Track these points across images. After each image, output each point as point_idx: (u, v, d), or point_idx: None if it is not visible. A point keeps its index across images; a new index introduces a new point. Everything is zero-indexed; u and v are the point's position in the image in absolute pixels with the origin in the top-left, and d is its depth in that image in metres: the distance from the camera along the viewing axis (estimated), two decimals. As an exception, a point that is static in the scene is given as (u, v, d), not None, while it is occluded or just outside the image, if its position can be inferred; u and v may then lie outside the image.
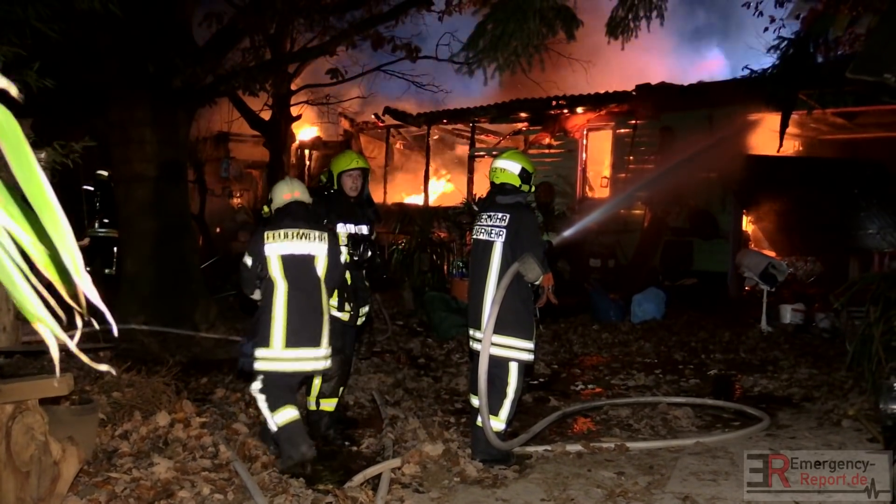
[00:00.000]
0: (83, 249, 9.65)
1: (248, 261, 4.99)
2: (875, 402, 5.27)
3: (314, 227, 4.99)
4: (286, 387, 4.96)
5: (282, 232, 4.93)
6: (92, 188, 11.42)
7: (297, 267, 4.90)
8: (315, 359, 4.93)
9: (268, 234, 4.94)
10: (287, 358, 4.86)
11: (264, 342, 4.87)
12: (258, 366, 4.89)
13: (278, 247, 4.90)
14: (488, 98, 15.52)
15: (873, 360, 5.97)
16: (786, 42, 9.35)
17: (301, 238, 4.93)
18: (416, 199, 17.78)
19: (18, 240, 1.05)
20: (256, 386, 4.92)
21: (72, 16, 5.61)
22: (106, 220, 11.14)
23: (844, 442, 5.32)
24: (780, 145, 10.57)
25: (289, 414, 4.85)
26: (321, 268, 4.97)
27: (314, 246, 4.95)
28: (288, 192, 5.07)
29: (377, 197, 17.83)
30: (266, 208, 5.19)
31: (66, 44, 5.97)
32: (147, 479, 4.30)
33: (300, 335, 4.86)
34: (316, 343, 4.90)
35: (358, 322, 5.66)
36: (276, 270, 4.88)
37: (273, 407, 4.85)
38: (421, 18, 13.56)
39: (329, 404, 5.58)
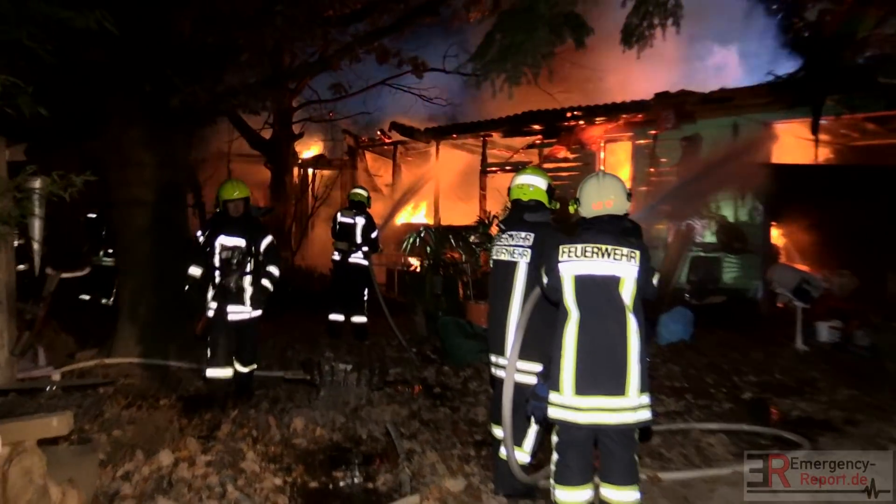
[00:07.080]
0: (82, 279, 9.28)
1: None
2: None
3: None
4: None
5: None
6: (95, 216, 11.07)
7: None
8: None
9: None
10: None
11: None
12: None
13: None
14: (500, 112, 15.09)
15: (918, 380, 5.75)
16: (811, 44, 9.02)
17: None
18: (426, 219, 17.33)
19: None
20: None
21: (65, 35, 5.39)
22: (111, 251, 10.76)
23: (894, 469, 5.07)
24: (817, 144, 10.08)
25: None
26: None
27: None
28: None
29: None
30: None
31: (60, 64, 5.75)
32: (151, 522, 4.18)
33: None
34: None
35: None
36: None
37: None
38: (427, 30, 13.22)
39: None
